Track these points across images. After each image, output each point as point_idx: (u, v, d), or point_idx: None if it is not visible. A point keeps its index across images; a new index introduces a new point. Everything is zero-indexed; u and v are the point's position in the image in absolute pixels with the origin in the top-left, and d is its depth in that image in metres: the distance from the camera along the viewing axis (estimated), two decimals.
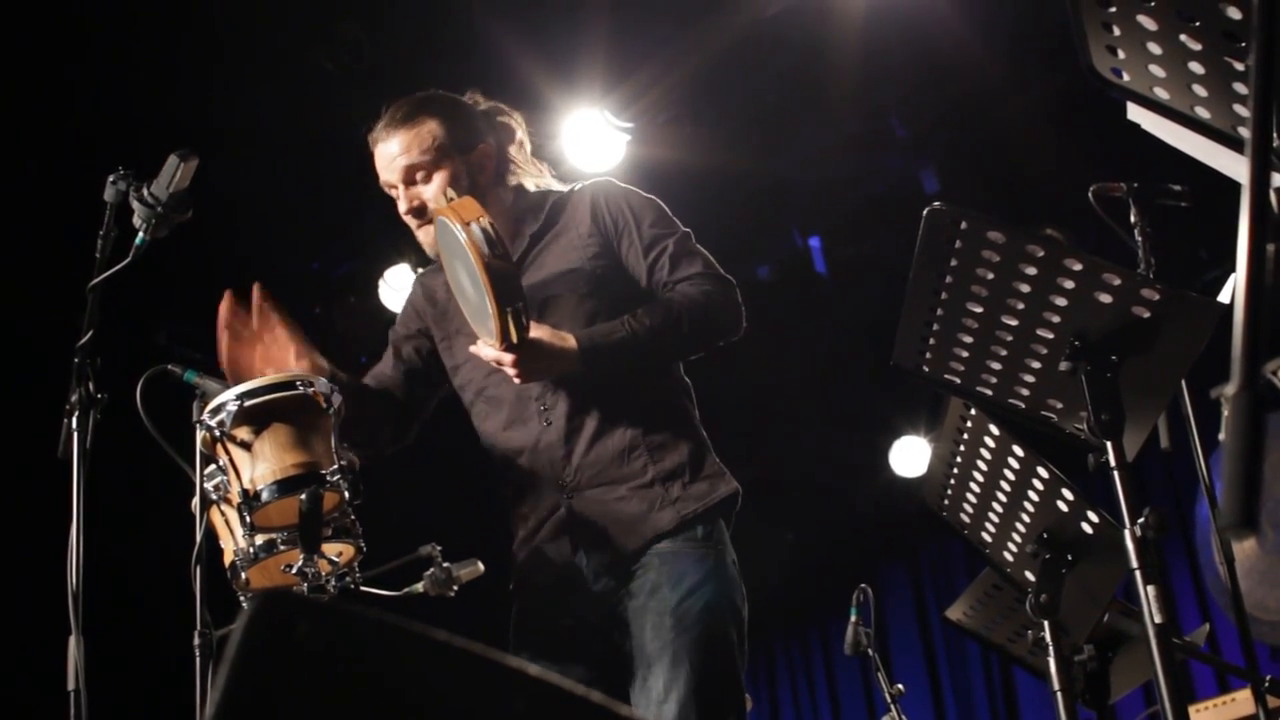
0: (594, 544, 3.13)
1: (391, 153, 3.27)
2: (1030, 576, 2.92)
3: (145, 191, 3.15)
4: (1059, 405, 2.55)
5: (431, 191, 3.25)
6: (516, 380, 3.08)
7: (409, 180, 3.27)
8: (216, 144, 4.40)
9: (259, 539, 3.01)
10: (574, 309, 3.20)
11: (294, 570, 2.97)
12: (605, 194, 3.32)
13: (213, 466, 3.08)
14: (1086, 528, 2.78)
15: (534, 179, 3.44)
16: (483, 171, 3.30)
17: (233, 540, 3.07)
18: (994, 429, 2.80)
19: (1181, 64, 1.89)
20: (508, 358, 2.99)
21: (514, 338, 2.94)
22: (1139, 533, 2.33)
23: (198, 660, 2.96)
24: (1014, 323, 2.44)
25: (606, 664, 3.08)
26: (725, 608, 3.05)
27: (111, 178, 3.20)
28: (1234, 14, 1.76)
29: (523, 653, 3.16)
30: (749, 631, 3.12)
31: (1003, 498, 2.92)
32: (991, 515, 2.99)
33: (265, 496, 2.95)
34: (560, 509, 3.18)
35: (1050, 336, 2.43)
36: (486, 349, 3.02)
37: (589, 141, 6.12)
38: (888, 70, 6.26)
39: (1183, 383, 3.42)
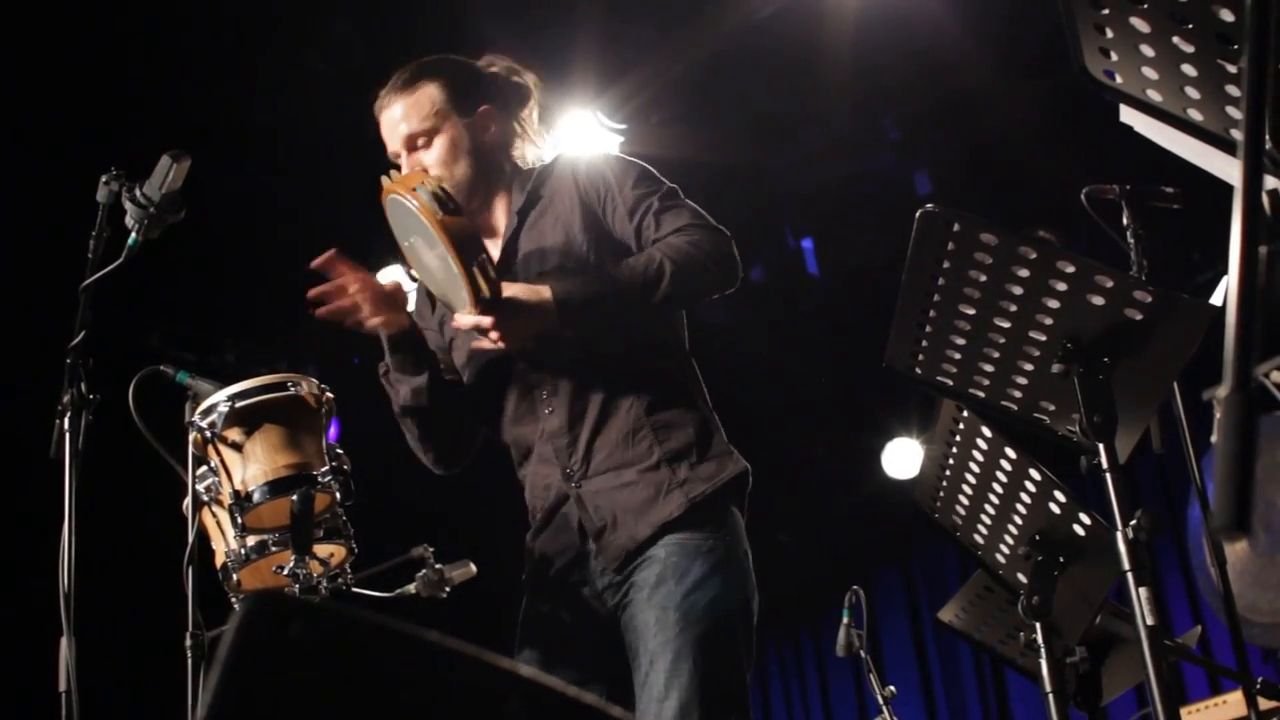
0: (604, 532, 3.05)
1: (393, 120, 3.23)
2: (1022, 578, 2.92)
3: (138, 192, 3.15)
4: (1051, 407, 2.55)
5: (433, 157, 3.20)
6: (500, 345, 2.98)
7: (411, 147, 3.22)
8: (209, 144, 4.39)
9: (250, 540, 3.01)
10: (557, 277, 3.07)
11: (285, 571, 2.97)
12: (585, 165, 3.23)
13: (204, 468, 3.08)
14: (1079, 530, 2.78)
15: (536, 149, 3.36)
16: (486, 133, 3.25)
17: (224, 541, 3.07)
18: (986, 431, 2.80)
19: (1174, 66, 1.90)
20: (486, 320, 2.90)
21: (485, 291, 2.86)
22: (1131, 535, 2.33)
23: (189, 661, 2.96)
24: (1006, 325, 2.44)
25: (612, 658, 3.01)
26: (732, 602, 2.96)
27: (104, 178, 3.20)
28: (1227, 16, 1.76)
29: (528, 648, 3.12)
30: None
31: (995, 500, 2.92)
32: (984, 517, 2.99)
33: (256, 497, 2.95)
34: (569, 498, 3.11)
35: (1042, 338, 2.43)
36: (465, 317, 2.93)
37: (582, 142, 6.12)
38: (881, 71, 6.27)
39: (1175, 385, 3.42)
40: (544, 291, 2.96)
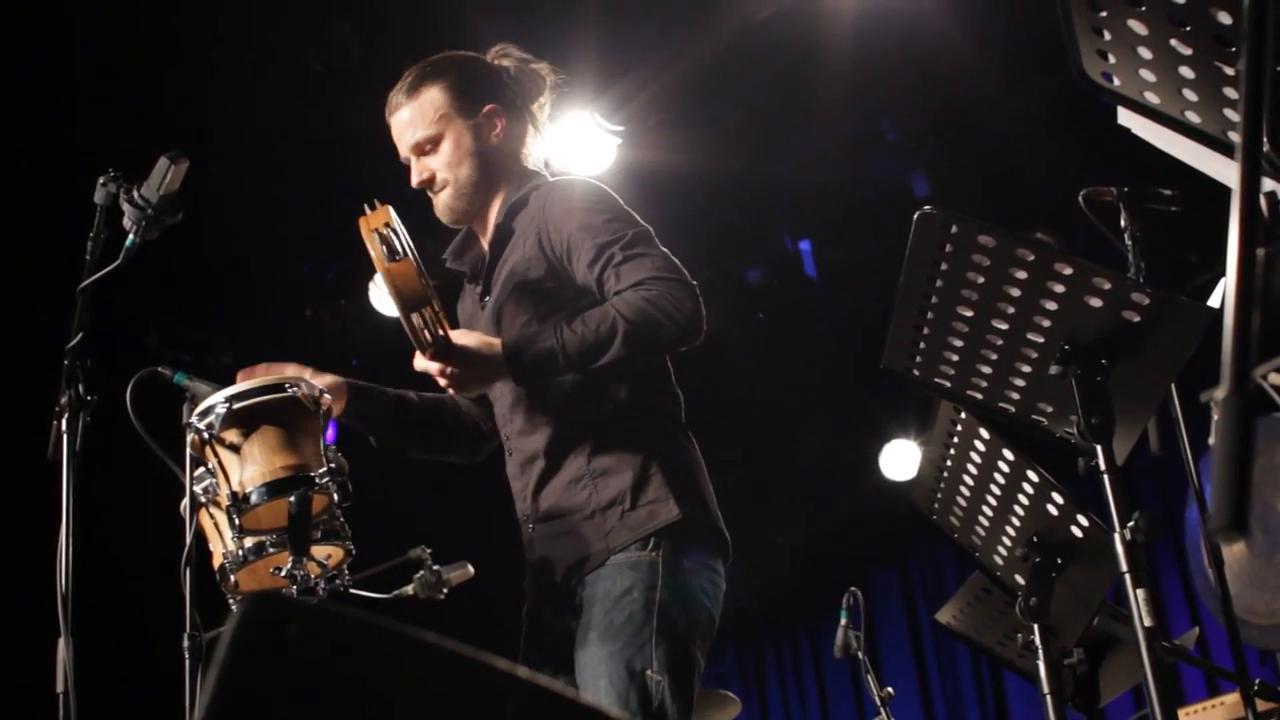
0: (547, 573, 3.12)
1: (401, 127, 3.28)
2: (1020, 580, 2.92)
3: (135, 193, 3.15)
4: (1049, 409, 2.55)
5: (439, 162, 3.25)
6: (450, 390, 3.09)
7: (420, 153, 3.27)
8: (207, 146, 4.39)
9: (248, 541, 3.01)
10: (519, 328, 3.13)
11: (283, 573, 2.97)
12: (549, 212, 3.16)
13: (202, 469, 3.08)
14: (1076, 531, 2.78)
15: (541, 150, 3.38)
16: (492, 130, 3.27)
17: (222, 543, 3.07)
18: (984, 432, 2.80)
19: (1172, 69, 1.90)
20: (434, 366, 2.97)
21: (427, 341, 2.91)
22: (1129, 536, 2.33)
23: (187, 663, 2.96)
24: (1004, 326, 2.45)
25: None
26: (654, 614, 2.94)
27: (102, 180, 3.20)
28: (1224, 19, 1.77)
29: (527, 661, 3.15)
30: (740, 635, 3.06)
31: (993, 501, 2.92)
32: (981, 519, 3.00)
33: (254, 499, 2.95)
34: (526, 537, 3.21)
35: (1040, 340, 2.43)
36: (420, 359, 3.00)
37: (580, 144, 6.11)
38: (878, 74, 6.26)
39: (1172, 387, 3.42)
40: (495, 344, 3.00)
